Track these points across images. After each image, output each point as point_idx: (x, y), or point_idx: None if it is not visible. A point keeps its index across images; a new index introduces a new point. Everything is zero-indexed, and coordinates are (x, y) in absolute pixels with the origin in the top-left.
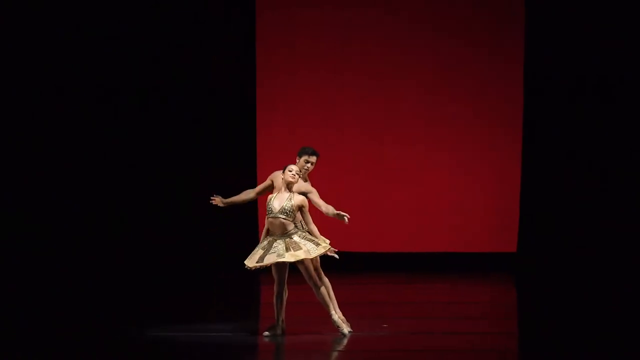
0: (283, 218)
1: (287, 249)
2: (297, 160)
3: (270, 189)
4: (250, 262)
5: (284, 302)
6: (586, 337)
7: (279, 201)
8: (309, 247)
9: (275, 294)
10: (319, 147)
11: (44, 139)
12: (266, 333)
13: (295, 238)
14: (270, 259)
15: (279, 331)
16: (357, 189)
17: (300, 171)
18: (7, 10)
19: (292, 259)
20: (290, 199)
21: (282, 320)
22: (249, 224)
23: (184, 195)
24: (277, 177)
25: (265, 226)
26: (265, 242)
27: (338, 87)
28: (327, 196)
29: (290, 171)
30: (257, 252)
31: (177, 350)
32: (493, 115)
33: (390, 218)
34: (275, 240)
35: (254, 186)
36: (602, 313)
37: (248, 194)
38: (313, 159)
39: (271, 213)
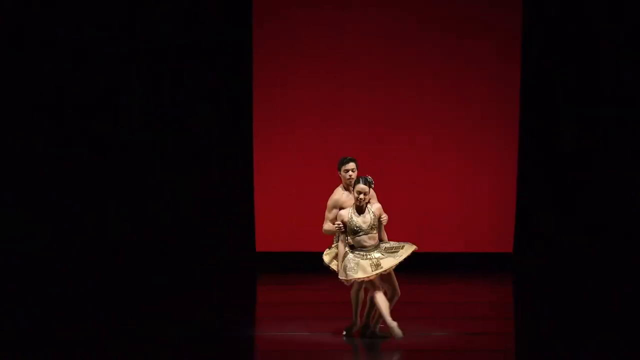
0: (373, 232)
1: (388, 254)
2: (340, 174)
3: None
4: (362, 273)
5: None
6: (584, 337)
7: (362, 217)
8: (399, 251)
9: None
10: (317, 148)
11: (44, 139)
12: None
13: (382, 246)
14: (389, 263)
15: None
16: None
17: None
18: (7, 10)
19: (399, 259)
20: (370, 211)
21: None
22: (247, 225)
23: (184, 195)
24: (342, 197)
25: (342, 246)
26: (353, 255)
27: (337, 87)
28: (326, 197)
29: (358, 195)
30: (356, 264)
31: (177, 351)
32: (490, 115)
33: (389, 218)
34: (369, 252)
35: (249, 185)
36: (600, 313)
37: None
38: (351, 165)
39: (361, 231)
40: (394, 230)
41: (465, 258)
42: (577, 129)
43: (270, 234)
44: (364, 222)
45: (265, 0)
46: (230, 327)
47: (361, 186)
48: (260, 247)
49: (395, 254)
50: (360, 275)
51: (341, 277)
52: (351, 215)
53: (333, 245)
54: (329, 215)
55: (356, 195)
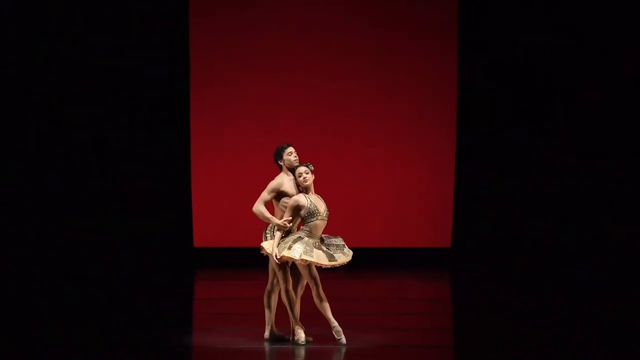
0: (326, 219)
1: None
2: (282, 162)
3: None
4: (320, 260)
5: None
6: (521, 333)
7: (319, 202)
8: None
9: (285, 292)
10: (254, 144)
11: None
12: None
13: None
14: (342, 259)
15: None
16: None
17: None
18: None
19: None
20: (321, 199)
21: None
22: (185, 221)
23: (121, 192)
24: (284, 181)
25: (290, 227)
26: (312, 242)
27: (273, 84)
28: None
29: (300, 175)
30: (312, 250)
31: (111, 351)
32: (428, 110)
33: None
34: (315, 241)
35: (187, 180)
36: (535, 308)
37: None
38: (292, 149)
39: (319, 215)
40: (335, 226)
41: (403, 253)
42: (515, 122)
43: (208, 230)
44: (322, 207)
45: (200, 5)
46: (168, 323)
47: (302, 167)
48: (197, 242)
49: (342, 251)
50: (316, 260)
51: (292, 255)
52: (309, 200)
53: (268, 230)
54: (267, 196)
55: (298, 177)
